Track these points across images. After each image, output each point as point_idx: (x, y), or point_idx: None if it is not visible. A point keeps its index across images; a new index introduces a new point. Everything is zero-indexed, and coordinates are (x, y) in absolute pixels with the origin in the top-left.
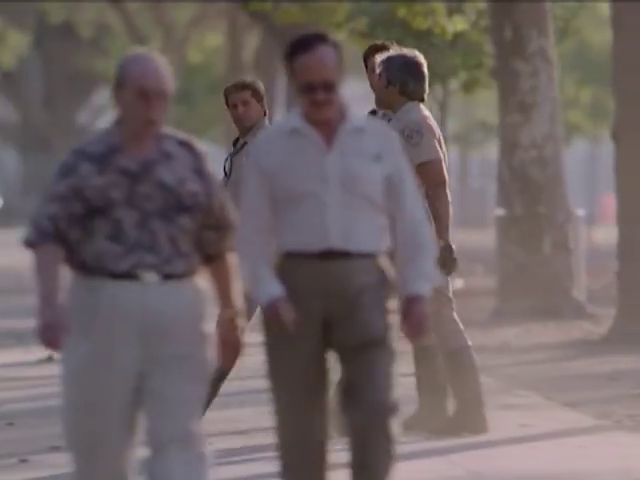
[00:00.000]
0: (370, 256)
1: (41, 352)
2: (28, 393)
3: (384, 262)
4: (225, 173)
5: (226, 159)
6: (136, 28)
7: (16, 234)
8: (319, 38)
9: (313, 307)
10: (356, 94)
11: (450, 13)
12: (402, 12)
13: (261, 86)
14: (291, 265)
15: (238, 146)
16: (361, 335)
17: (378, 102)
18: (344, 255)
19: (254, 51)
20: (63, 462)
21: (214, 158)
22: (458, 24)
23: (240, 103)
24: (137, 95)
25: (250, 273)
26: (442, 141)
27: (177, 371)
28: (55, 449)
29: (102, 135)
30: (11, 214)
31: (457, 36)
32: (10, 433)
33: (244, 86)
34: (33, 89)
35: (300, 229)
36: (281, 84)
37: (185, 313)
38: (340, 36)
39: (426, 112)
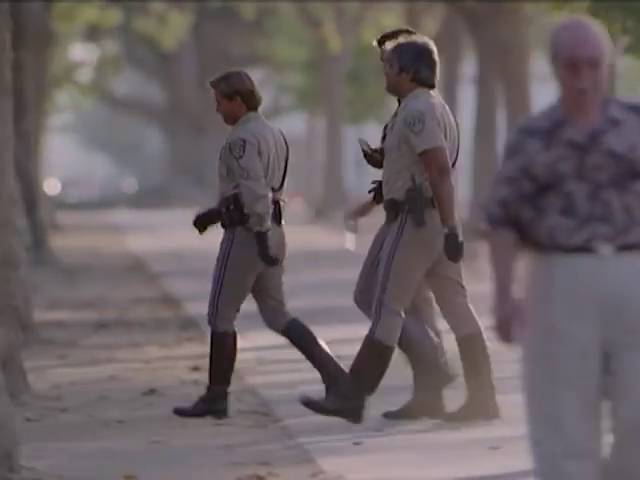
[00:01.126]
0: None
1: None
2: (309, 376)
3: None
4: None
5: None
6: (307, 9)
7: (174, 216)
8: None
9: None
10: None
11: None
12: None
13: (231, 83)
14: None
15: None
16: None
17: (389, 89)
18: None
19: (433, 31)
20: (397, 445)
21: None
22: None
23: (216, 103)
24: (566, 65)
25: None
26: (451, 129)
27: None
28: (379, 430)
29: (546, 111)
30: (158, 196)
31: None
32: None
33: (213, 85)
34: (187, 71)
35: None
36: (464, 65)
37: None
38: (559, 17)
39: (435, 99)
